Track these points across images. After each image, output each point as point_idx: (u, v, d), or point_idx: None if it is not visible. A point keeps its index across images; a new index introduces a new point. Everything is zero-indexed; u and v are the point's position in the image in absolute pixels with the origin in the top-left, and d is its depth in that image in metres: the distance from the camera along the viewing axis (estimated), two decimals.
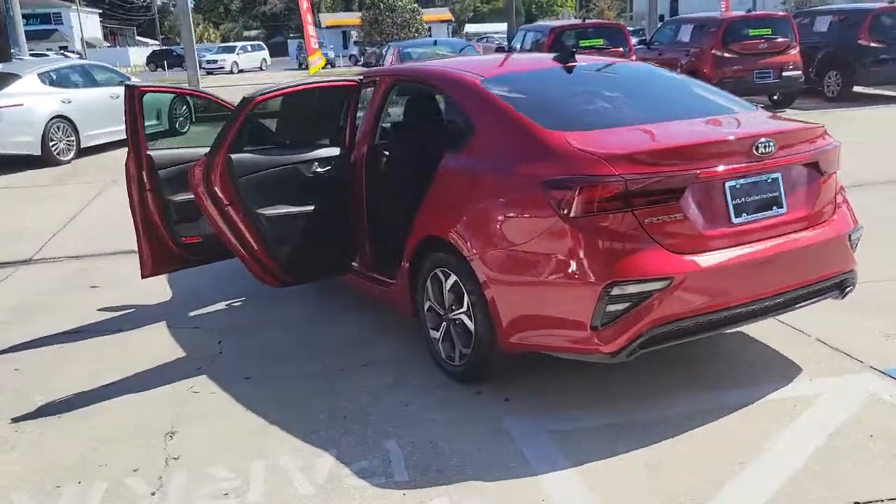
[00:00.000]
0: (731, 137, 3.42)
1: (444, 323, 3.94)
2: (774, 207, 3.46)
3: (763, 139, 3.36)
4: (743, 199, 3.37)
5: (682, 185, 3.23)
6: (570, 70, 4.23)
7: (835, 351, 4.02)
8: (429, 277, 3.98)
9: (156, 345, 4.73)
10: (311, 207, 4.38)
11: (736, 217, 3.35)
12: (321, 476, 3.21)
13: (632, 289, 3.15)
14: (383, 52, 16.36)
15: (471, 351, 3.75)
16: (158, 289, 5.66)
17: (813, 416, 3.41)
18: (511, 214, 3.45)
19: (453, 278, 3.79)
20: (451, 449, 3.34)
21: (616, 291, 3.14)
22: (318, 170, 4.41)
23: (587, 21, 12.95)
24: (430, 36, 26.93)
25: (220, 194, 4.10)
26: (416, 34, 29.66)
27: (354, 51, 42.45)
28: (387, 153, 4.68)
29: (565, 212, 3.22)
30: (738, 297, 3.35)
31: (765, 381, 3.74)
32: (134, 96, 4.58)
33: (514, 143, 3.55)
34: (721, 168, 3.30)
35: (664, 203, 3.21)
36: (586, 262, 3.19)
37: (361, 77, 4.57)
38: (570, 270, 3.24)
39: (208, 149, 4.15)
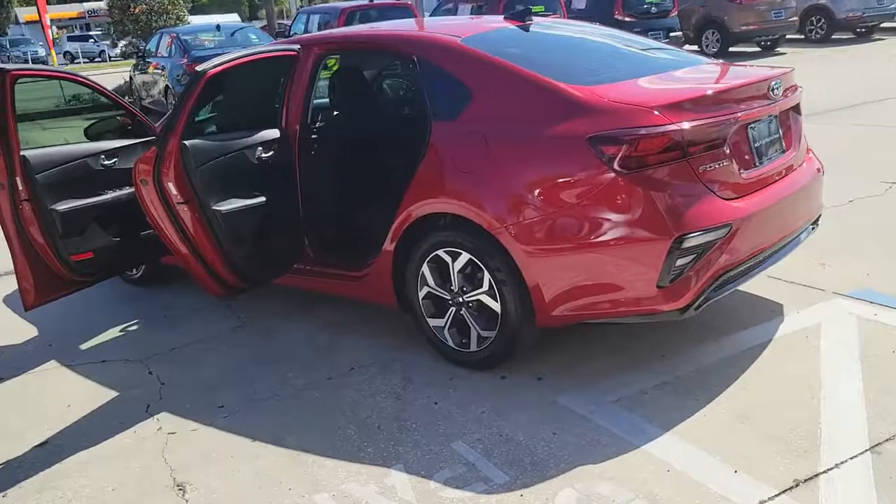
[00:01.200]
0: (755, 80, 3.46)
1: (453, 308, 3.60)
2: (779, 150, 3.57)
3: (775, 81, 3.45)
4: (761, 143, 3.43)
5: (727, 129, 3.20)
6: (528, 29, 4.04)
7: (792, 284, 4.27)
8: (426, 261, 3.61)
9: (72, 389, 3.84)
10: (263, 199, 3.79)
11: (759, 161, 3.40)
12: (409, 496, 2.77)
13: (699, 240, 3.06)
14: (152, 42, 14.82)
15: (496, 333, 3.46)
16: (15, 324, 4.63)
17: (831, 343, 3.58)
18: (549, 178, 3.20)
19: (466, 257, 3.46)
20: (527, 438, 3.05)
21: (686, 244, 3.04)
22: (264, 155, 3.82)
23: (373, 2, 12.69)
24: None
25: (174, 191, 3.38)
26: (178, 21, 27.16)
27: (70, 47, 38.42)
28: (346, 131, 4.19)
29: (620, 168, 3.05)
30: (769, 241, 3.41)
31: (764, 321, 3.86)
32: (5, 83, 3.64)
33: (535, 102, 3.30)
34: (755, 110, 3.33)
35: (714, 149, 3.16)
36: (651, 218, 3.05)
37: (300, 46, 4.02)
38: (632, 228, 3.08)
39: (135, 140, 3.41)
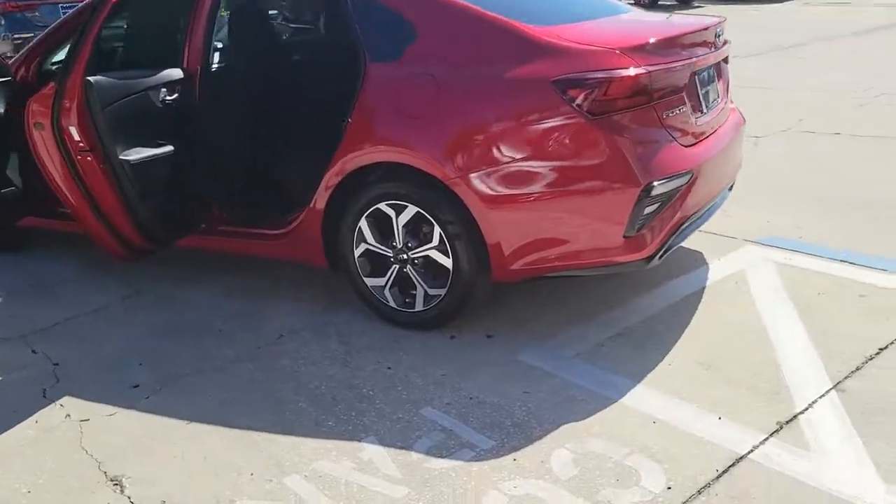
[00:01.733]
0: (704, 27, 3.41)
1: (395, 266, 3.35)
2: (717, 99, 3.58)
3: (719, 28, 3.43)
4: (707, 90, 3.41)
5: (685, 74, 3.15)
6: None
7: (706, 233, 4.36)
8: (364, 215, 3.33)
9: None
10: (171, 148, 3.32)
11: (705, 108, 3.38)
12: (391, 470, 2.54)
13: (665, 187, 3.00)
14: None
15: (447, 290, 3.25)
16: None
17: (759, 288, 3.67)
18: (510, 124, 3.01)
19: (413, 210, 3.21)
20: (499, 399, 2.89)
21: (654, 192, 2.97)
22: (168, 98, 3.35)
23: None
24: None
25: (76, 136, 2.86)
26: None
27: None
28: (257, 73, 3.75)
29: (588, 112, 2.91)
30: (715, 189, 3.42)
31: (692, 269, 3.90)
32: None
33: (492, 43, 3.08)
34: (703, 56, 3.29)
35: (674, 95, 3.10)
36: (619, 165, 2.94)
37: None
38: (599, 176, 2.96)
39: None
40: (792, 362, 3.03)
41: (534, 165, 2.99)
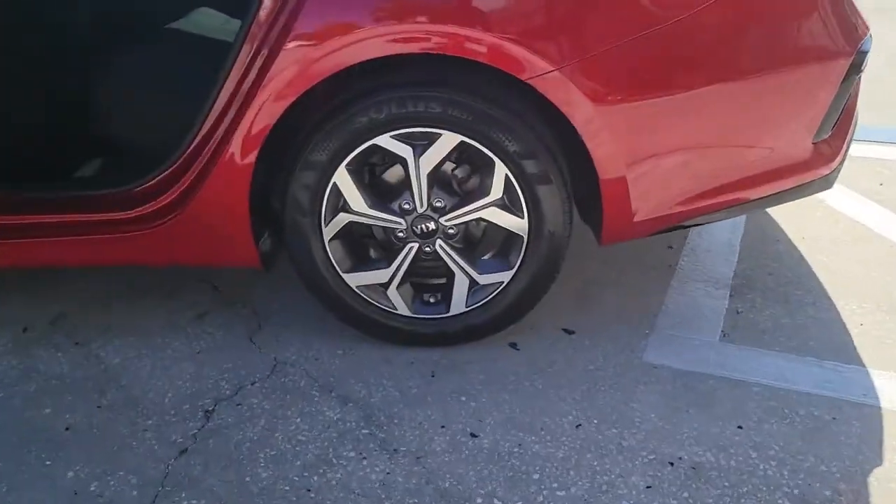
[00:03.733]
0: None
1: (410, 244, 1.86)
2: None
3: None
4: None
5: None
6: None
7: None
8: (343, 163, 1.78)
9: None
10: None
11: None
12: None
13: (863, 61, 1.90)
14: None
15: (516, 270, 1.87)
16: None
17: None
18: None
19: (453, 140, 1.75)
20: (716, 453, 1.66)
21: (862, 64, 1.87)
22: None
23: None
24: None
25: None
26: None
27: None
28: None
29: None
30: None
31: None
32: None
33: None
34: None
35: None
36: (823, 22, 1.78)
37: None
38: (794, 44, 1.77)
39: None
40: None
41: (682, 40, 1.69)
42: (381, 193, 1.85)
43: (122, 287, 2.25)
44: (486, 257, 1.92)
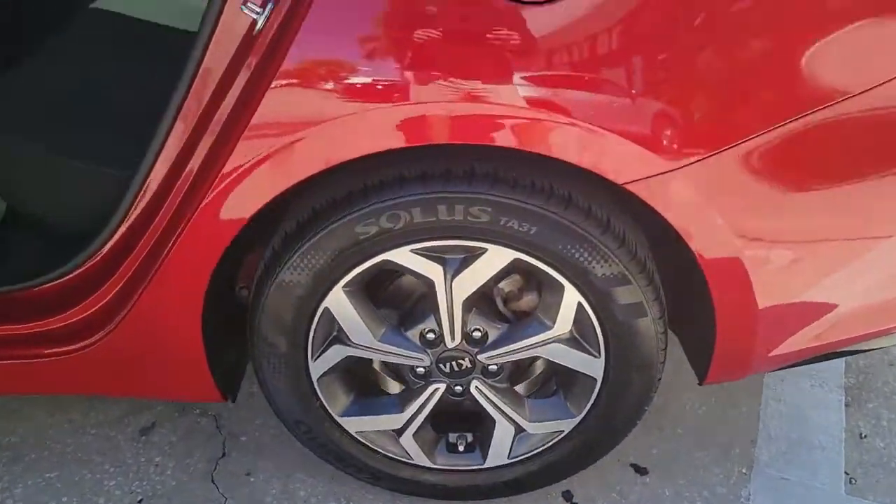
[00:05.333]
0: None
1: (435, 385, 1.30)
2: None
3: None
4: None
5: None
6: None
7: None
8: (341, 282, 1.19)
9: None
10: None
11: None
12: None
13: None
14: None
15: (583, 417, 1.33)
16: None
17: None
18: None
19: (505, 257, 1.15)
20: None
21: None
22: None
23: None
24: None
25: None
26: None
27: None
28: None
29: None
30: None
31: None
32: None
33: None
34: None
35: None
36: None
37: None
38: None
39: None
40: None
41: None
42: (401, 319, 1.28)
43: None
44: (539, 399, 1.37)
